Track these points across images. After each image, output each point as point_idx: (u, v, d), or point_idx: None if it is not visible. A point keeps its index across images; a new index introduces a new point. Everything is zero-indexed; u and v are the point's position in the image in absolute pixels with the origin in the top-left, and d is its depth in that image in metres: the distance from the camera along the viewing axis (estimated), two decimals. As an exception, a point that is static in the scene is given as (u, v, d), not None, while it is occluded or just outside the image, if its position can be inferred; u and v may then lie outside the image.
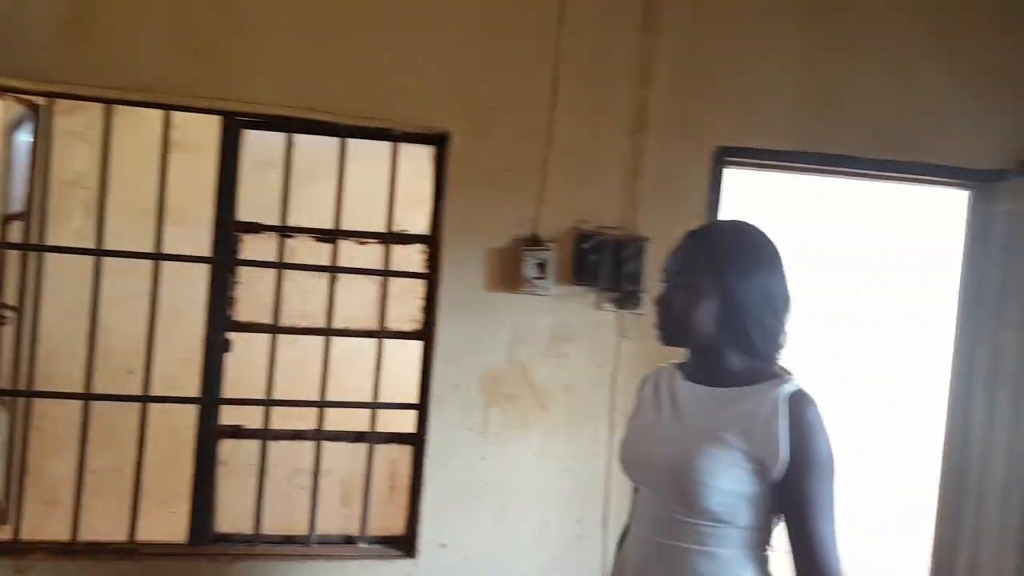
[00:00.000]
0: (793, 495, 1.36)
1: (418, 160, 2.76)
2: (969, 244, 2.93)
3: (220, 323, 2.62)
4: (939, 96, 2.86)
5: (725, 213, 2.74)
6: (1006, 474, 2.63)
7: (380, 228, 2.72)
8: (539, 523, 2.69)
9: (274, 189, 2.66)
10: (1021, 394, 2.60)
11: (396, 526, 2.72)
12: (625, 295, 2.68)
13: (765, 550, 1.44)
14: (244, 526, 2.62)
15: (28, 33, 2.39)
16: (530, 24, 2.66)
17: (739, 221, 1.54)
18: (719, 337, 1.45)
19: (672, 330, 1.49)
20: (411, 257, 2.76)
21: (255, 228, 2.66)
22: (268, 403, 2.63)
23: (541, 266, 2.63)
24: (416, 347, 2.74)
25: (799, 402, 1.38)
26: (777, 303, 1.45)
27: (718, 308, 1.43)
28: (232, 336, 2.63)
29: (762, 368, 1.45)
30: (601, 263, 2.65)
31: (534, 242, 2.66)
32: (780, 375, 1.44)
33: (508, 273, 2.66)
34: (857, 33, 2.83)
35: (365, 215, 2.76)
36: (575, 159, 2.69)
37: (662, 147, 2.72)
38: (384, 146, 2.70)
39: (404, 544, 2.68)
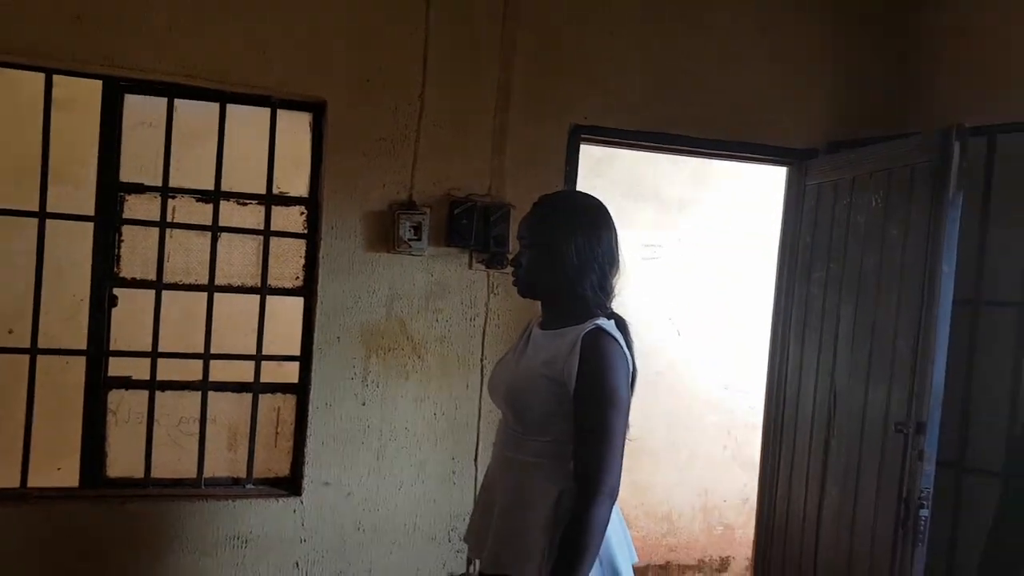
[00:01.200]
0: (576, 417, 1.67)
1: (298, 125, 2.93)
2: (785, 214, 3.37)
3: (106, 279, 2.72)
4: (764, 83, 3.25)
5: (580, 184, 3.06)
6: (813, 410, 3.09)
7: (260, 190, 2.88)
8: (416, 462, 2.97)
9: (153, 148, 2.76)
10: (824, 343, 3.06)
11: (281, 468, 2.94)
12: (493, 256, 2.96)
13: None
14: (134, 472, 2.77)
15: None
16: (400, 3, 2.85)
17: (574, 191, 1.89)
18: (557, 289, 1.76)
19: (523, 285, 1.81)
20: (291, 218, 2.94)
21: (138, 189, 2.77)
22: (155, 356, 2.77)
23: (416, 229, 2.88)
24: (298, 303, 2.93)
25: (591, 339, 1.67)
26: (603, 260, 1.74)
27: (554, 265, 1.73)
28: (118, 292, 2.74)
29: (586, 311, 1.73)
30: (471, 227, 2.92)
31: (409, 206, 2.89)
32: (593, 316, 1.72)
33: (385, 235, 2.89)
34: (696, 24, 3.18)
35: (246, 177, 2.90)
36: (446, 131, 2.92)
37: (524, 124, 3.00)
38: (265, 111, 2.85)
39: (289, 484, 2.90)
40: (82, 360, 2.73)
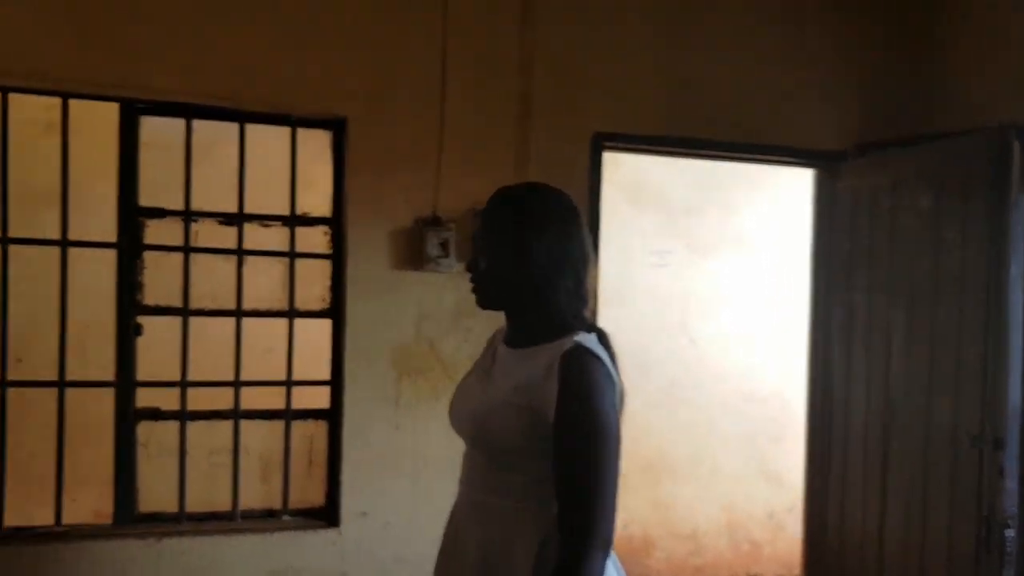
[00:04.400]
0: (558, 452, 1.39)
1: (318, 144, 2.83)
2: (818, 218, 3.25)
3: (130, 307, 2.65)
4: (788, 85, 3.15)
5: (604, 193, 2.98)
6: (865, 422, 2.95)
7: (280, 211, 2.79)
8: (453, 488, 2.85)
9: (169, 171, 2.68)
10: (872, 349, 2.92)
11: (316, 498, 2.85)
12: (522, 270, 2.86)
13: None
14: (167, 505, 2.70)
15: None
16: (418, 15, 2.77)
17: (536, 184, 1.59)
18: (522, 297, 1.49)
19: (484, 294, 1.53)
20: (316, 239, 2.85)
21: (159, 213, 2.69)
22: (184, 385, 2.70)
23: (444, 245, 2.78)
24: (326, 326, 2.84)
25: (570, 360, 1.40)
26: (575, 262, 1.48)
27: (521, 269, 1.46)
28: (142, 320, 2.66)
29: (564, 325, 1.47)
30: (497, 241, 2.81)
31: (435, 223, 2.79)
32: (571, 330, 1.46)
33: (412, 252, 2.79)
34: (715, 28, 3.09)
35: (268, 198, 2.82)
36: (468, 144, 2.84)
37: (546, 133, 2.91)
38: (284, 130, 2.76)
39: (326, 514, 2.81)
40: (106, 392, 2.65)
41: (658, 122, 3.03)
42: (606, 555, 1.38)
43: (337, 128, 2.79)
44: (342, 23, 2.69)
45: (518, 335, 1.53)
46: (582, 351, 1.42)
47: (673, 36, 3.05)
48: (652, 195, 4.31)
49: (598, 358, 1.43)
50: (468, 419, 1.53)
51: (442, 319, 2.84)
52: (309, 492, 2.86)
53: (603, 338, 1.49)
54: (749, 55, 3.12)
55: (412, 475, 2.82)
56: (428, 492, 2.84)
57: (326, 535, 2.74)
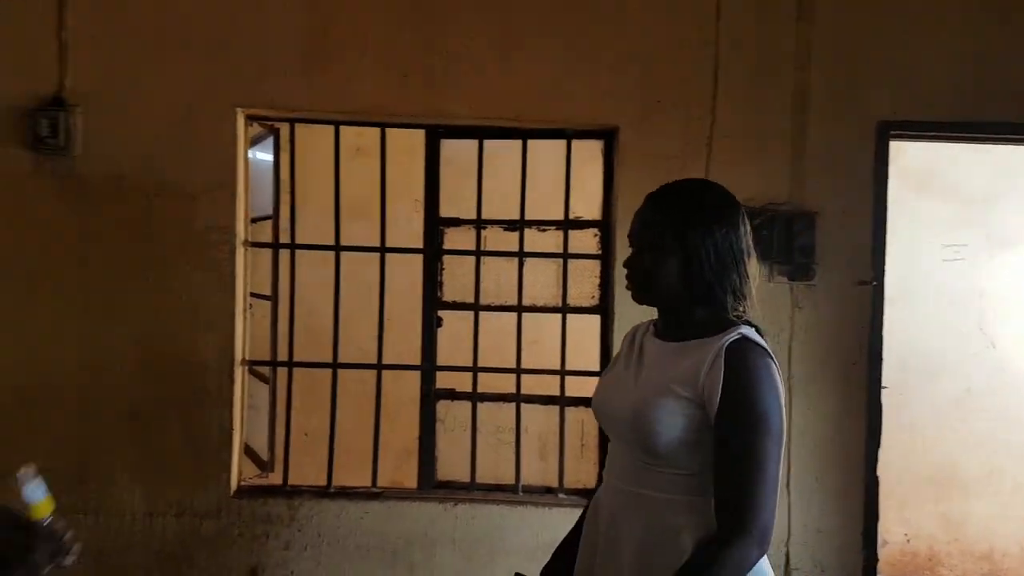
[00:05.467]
0: (720, 442, 1.41)
1: (589, 152, 3.05)
2: None
3: (432, 303, 3.07)
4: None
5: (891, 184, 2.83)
6: None
7: (554, 216, 3.05)
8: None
9: (456, 185, 3.07)
10: None
11: (588, 480, 3.08)
12: (797, 267, 2.84)
13: None
14: (459, 475, 3.08)
15: (271, 70, 2.89)
16: (690, 21, 2.87)
17: (696, 179, 1.60)
18: (685, 293, 1.50)
19: (643, 290, 1.55)
20: (586, 241, 3.06)
21: (455, 222, 3.09)
22: (475, 370, 3.07)
23: (710, 244, 2.85)
24: (593, 321, 3.05)
25: (736, 351, 1.42)
26: (738, 256, 1.49)
27: (682, 265, 1.49)
28: (442, 314, 3.08)
29: (723, 319, 1.49)
30: (771, 237, 2.82)
31: (701, 222, 2.88)
32: (734, 324, 1.47)
33: (678, 252, 2.90)
34: (1015, -1, 2.80)
35: (542, 205, 3.09)
36: (738, 142, 2.87)
37: (824, 125, 2.86)
38: (558, 142, 3.01)
39: (596, 495, 3.03)
40: (401, 375, 3.10)
41: (953, 106, 2.85)
42: (761, 550, 1.37)
43: (608, 137, 2.99)
44: (615, 39, 2.87)
45: (674, 329, 1.55)
46: (748, 343, 1.44)
47: (965, 10, 2.85)
48: (942, 183, 4.00)
49: (765, 350, 1.45)
50: (622, 412, 1.54)
51: (710, 315, 2.91)
52: (582, 473, 3.10)
53: (761, 334, 1.50)
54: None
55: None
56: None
57: (598, 515, 2.95)
